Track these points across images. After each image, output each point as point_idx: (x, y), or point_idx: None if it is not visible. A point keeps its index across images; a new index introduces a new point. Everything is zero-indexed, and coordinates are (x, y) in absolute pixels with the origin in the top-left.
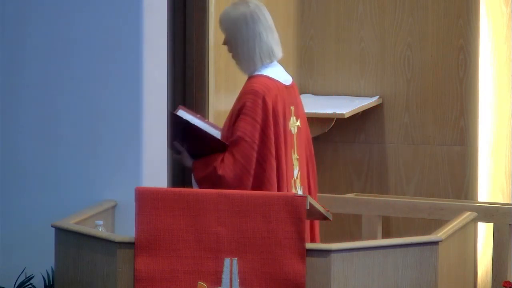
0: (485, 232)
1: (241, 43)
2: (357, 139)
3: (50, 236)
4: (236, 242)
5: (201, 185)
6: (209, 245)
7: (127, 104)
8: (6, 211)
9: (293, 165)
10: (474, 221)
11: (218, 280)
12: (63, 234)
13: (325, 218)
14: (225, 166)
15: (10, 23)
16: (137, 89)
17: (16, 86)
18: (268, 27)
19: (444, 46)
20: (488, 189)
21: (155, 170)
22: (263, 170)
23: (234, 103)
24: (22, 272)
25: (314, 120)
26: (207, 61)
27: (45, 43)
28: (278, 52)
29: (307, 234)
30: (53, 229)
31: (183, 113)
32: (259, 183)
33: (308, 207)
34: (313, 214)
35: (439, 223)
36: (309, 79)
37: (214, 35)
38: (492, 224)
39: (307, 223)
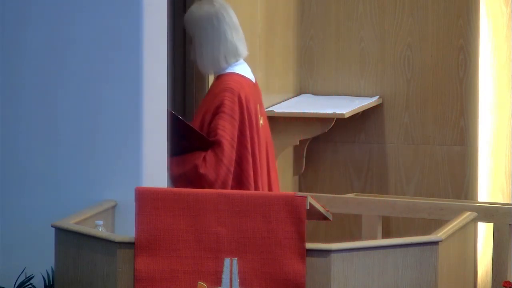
0: (485, 232)
1: (206, 42)
2: (357, 139)
3: (50, 236)
4: (236, 242)
5: (177, 182)
6: (209, 245)
7: (127, 104)
8: (6, 211)
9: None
10: (474, 221)
11: (218, 280)
12: (63, 234)
13: (325, 218)
14: (208, 165)
15: (10, 23)
16: (137, 89)
17: (16, 86)
18: (233, 26)
19: (444, 46)
20: (488, 189)
21: (155, 170)
22: (241, 169)
23: (206, 101)
24: (22, 272)
25: (314, 120)
26: None
27: (45, 43)
28: (244, 50)
29: None
30: (53, 229)
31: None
32: (238, 181)
33: (308, 207)
34: (313, 214)
35: (439, 223)
36: (309, 79)
37: None
38: (492, 224)
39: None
